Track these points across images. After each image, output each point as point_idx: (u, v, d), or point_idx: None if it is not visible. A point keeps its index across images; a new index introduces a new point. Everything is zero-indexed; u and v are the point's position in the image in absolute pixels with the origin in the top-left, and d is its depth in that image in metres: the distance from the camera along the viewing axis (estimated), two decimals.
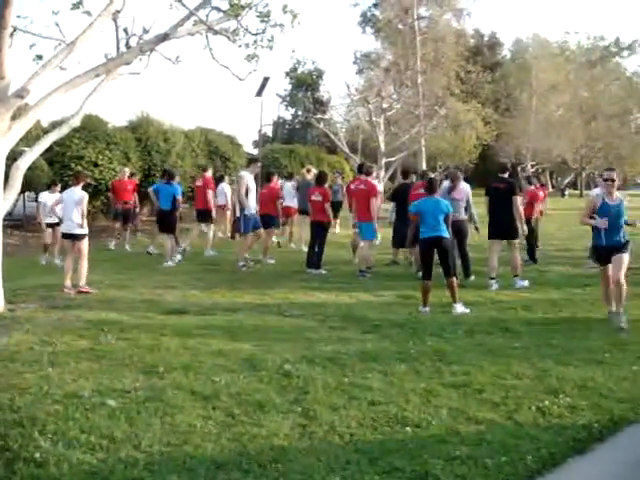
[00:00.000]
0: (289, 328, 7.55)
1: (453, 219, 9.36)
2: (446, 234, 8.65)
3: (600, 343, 6.94)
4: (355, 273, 11.54)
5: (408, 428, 4.56)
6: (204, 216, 14.73)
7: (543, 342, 6.96)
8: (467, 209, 11.11)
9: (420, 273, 9.48)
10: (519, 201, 10.69)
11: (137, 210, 16.23)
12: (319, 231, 12.11)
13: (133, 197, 16.00)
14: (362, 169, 12.46)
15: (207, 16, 10.03)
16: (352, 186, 12.49)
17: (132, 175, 16.96)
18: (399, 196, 12.28)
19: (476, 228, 11.30)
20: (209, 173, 15.34)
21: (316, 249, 12.08)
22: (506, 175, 10.86)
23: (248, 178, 12.29)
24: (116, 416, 4.66)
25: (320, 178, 12.72)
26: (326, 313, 8.34)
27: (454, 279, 8.75)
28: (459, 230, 10.62)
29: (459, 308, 8.57)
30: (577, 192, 56.38)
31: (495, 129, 36.84)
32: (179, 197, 13.22)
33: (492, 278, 10.45)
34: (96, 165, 18.43)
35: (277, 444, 4.26)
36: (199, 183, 14.99)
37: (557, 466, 4.11)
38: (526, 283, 10.47)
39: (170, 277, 11.15)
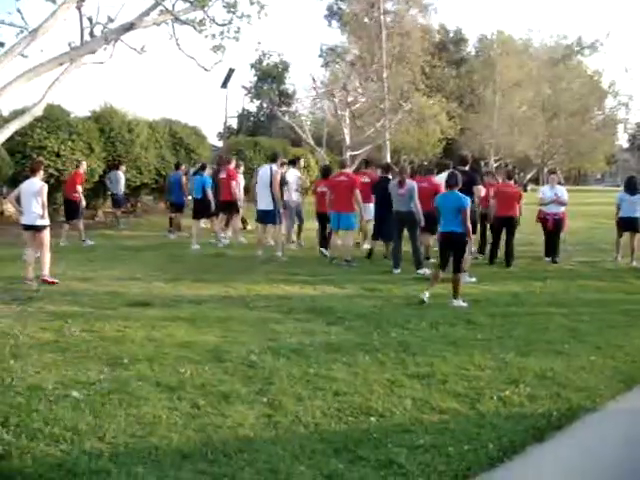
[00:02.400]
0: (254, 320, 7.56)
1: (397, 209, 11.04)
2: (460, 229, 8.69)
3: (559, 335, 7.10)
4: (321, 263, 11.61)
5: (372, 418, 4.62)
6: (229, 207, 15.10)
7: (505, 334, 7.09)
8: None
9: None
10: (482, 191, 10.84)
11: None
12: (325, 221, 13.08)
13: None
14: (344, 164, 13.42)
15: (173, 6, 9.92)
16: (334, 179, 12.63)
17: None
18: (380, 189, 12.39)
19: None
20: (232, 165, 15.61)
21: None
22: (466, 168, 10.82)
23: (279, 172, 12.88)
24: (80, 408, 4.63)
25: (326, 171, 13.50)
26: (291, 305, 8.37)
27: (459, 275, 8.83)
28: (407, 221, 11.11)
29: (456, 303, 8.69)
30: (538, 187, 57.18)
31: (459, 124, 37.13)
32: (208, 187, 14.59)
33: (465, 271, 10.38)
34: (58, 155, 18.10)
35: (242, 434, 4.28)
36: (223, 175, 15.20)
37: (517, 454, 4.22)
38: (473, 279, 10.43)
39: (134, 269, 11.06)
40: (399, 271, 11.11)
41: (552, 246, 12.98)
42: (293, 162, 15.31)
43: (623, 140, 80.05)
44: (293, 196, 14.14)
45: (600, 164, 67.50)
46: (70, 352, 6.05)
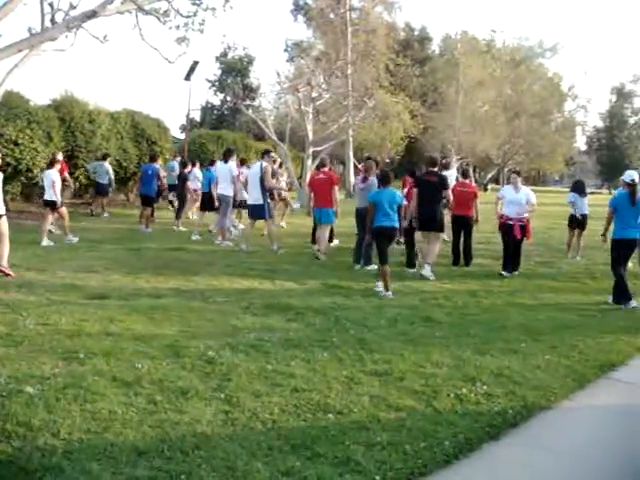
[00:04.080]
0: (213, 314, 7.51)
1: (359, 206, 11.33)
2: (393, 224, 9.28)
3: (516, 333, 7.21)
4: (276, 258, 11.60)
5: (330, 415, 4.63)
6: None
7: (462, 332, 7.17)
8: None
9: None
10: (449, 194, 11.22)
11: None
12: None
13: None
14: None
15: None
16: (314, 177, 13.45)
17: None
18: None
19: None
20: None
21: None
22: (436, 169, 11.33)
23: (269, 167, 13.55)
24: (34, 403, 4.54)
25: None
26: (250, 300, 8.33)
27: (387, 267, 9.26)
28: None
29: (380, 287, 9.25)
30: (499, 187, 57.93)
31: (422, 122, 37.40)
32: (214, 183, 15.13)
33: (427, 263, 10.86)
34: (16, 144, 17.70)
35: (200, 431, 4.25)
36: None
37: (473, 451, 4.26)
38: (432, 277, 10.63)
39: (92, 261, 10.90)
40: (358, 267, 11.19)
41: (515, 257, 11.45)
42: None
43: (581, 142, 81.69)
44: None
45: (559, 165, 68.76)
46: (24, 346, 5.92)
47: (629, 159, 78.34)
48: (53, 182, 13.08)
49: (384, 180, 9.72)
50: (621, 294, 9.14)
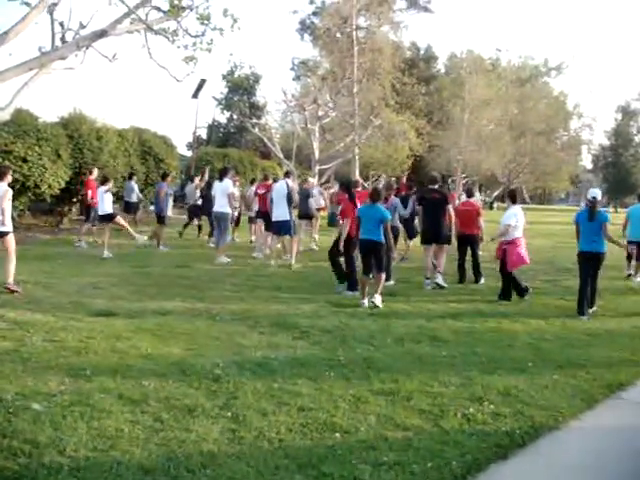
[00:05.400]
0: (219, 333, 7.51)
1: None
2: (379, 238, 9.61)
3: (523, 353, 7.17)
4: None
5: (337, 434, 4.62)
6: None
7: (469, 351, 7.14)
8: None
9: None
10: (451, 210, 11.81)
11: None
12: None
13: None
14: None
15: (147, 15, 9.89)
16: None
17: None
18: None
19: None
20: (270, 181, 16.37)
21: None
22: (436, 186, 12.02)
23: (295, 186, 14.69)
24: (40, 420, 4.55)
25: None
26: (256, 318, 8.33)
27: (382, 275, 9.79)
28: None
29: (378, 299, 9.55)
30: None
31: (427, 141, 37.42)
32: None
33: (427, 278, 11.54)
34: (25, 161, 17.81)
35: (206, 449, 4.24)
36: (261, 191, 15.93)
37: (480, 471, 4.24)
38: (443, 283, 11.47)
39: (99, 278, 10.93)
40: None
41: (505, 283, 10.66)
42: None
43: (587, 161, 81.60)
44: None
45: (564, 184, 68.74)
46: (31, 362, 5.94)
47: (635, 177, 78.29)
48: (106, 196, 14.68)
49: (373, 197, 9.94)
50: (578, 304, 9.60)
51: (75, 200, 20.74)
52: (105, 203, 14.81)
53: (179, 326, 7.69)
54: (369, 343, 7.29)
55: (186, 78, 11.02)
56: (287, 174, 14.98)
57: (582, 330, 8.54)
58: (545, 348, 7.46)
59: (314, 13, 42.94)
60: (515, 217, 10.49)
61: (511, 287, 10.56)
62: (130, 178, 19.91)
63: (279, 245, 14.78)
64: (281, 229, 13.75)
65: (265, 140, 30.29)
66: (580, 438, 5.03)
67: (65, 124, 20.51)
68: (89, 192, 16.46)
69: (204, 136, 54.57)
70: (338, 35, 32.64)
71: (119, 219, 15.07)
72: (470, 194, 13.68)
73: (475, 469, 4.24)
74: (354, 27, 31.73)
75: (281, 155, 29.54)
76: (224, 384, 5.55)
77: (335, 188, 20.69)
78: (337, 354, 6.73)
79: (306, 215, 16.57)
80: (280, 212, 13.58)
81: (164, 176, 17.50)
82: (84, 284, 10.33)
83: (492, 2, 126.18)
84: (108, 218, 14.87)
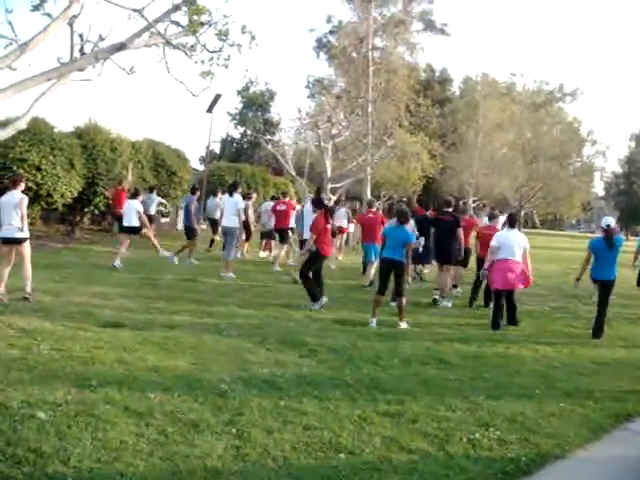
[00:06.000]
0: (226, 348, 7.50)
1: None
2: (401, 258, 9.74)
3: (531, 379, 7.12)
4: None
5: (342, 454, 4.59)
6: (282, 235, 16.81)
7: (476, 375, 7.10)
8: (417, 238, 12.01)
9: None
10: (461, 232, 12.27)
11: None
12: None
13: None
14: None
15: (165, 29, 9.97)
16: None
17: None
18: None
19: None
20: (288, 198, 17.52)
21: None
22: (450, 209, 12.52)
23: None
24: (45, 429, 4.55)
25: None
26: (264, 335, 8.32)
27: (403, 300, 9.81)
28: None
29: (403, 325, 9.69)
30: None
31: (440, 163, 37.44)
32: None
33: (443, 297, 12.14)
34: (39, 169, 17.93)
35: (210, 465, 4.23)
36: (282, 208, 16.73)
37: None
38: (450, 304, 12.08)
39: (108, 289, 10.96)
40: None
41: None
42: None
43: (599, 188, 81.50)
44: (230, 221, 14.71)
45: (576, 210, 68.59)
46: (38, 371, 5.95)
47: None
48: (138, 211, 14.95)
49: (400, 218, 10.03)
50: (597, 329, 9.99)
51: (87, 210, 20.83)
52: (133, 216, 14.99)
53: (186, 340, 7.69)
54: (376, 363, 7.26)
55: (202, 93, 11.13)
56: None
57: (590, 358, 8.48)
58: (552, 375, 7.41)
59: (331, 32, 43.23)
60: (497, 239, 10.55)
61: (515, 311, 10.47)
62: (151, 191, 19.91)
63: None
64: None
65: (278, 156, 30.34)
66: (586, 468, 4.98)
67: (80, 134, 20.67)
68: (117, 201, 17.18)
69: (217, 151, 54.86)
70: (354, 55, 32.81)
71: (146, 232, 15.27)
72: (492, 218, 13.69)
73: None
74: (370, 47, 31.89)
75: (293, 172, 29.57)
76: (230, 400, 5.53)
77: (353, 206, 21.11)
78: (344, 373, 6.71)
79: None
80: (307, 230, 13.64)
81: (193, 190, 17.57)
82: (93, 294, 10.36)
83: (508, 26, 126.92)
84: (133, 231, 15.07)
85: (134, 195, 15.57)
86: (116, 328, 8.03)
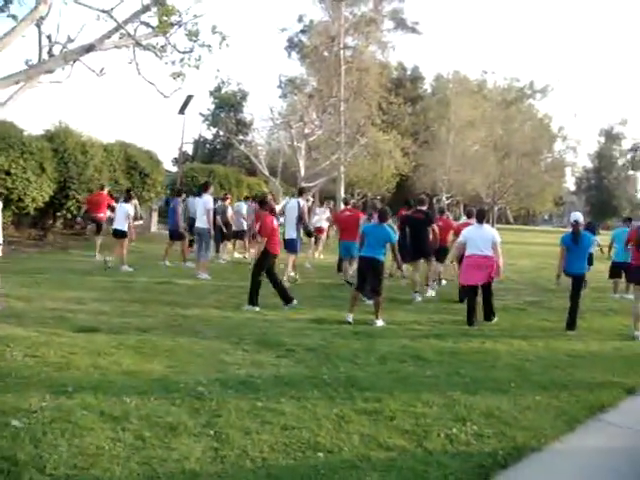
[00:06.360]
0: (202, 350, 7.46)
1: None
2: (380, 257, 9.82)
3: (506, 373, 7.19)
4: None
5: (320, 453, 4.59)
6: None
7: (452, 371, 7.14)
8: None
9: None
10: (435, 228, 12.65)
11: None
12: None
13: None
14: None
15: (135, 30, 9.90)
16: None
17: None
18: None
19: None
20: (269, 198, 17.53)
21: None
22: (424, 207, 12.81)
23: (306, 205, 14.95)
24: (20, 437, 4.49)
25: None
26: (240, 335, 8.29)
27: (380, 299, 9.89)
28: None
29: (380, 323, 9.69)
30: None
31: (413, 160, 37.67)
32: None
33: (416, 292, 12.42)
34: (8, 174, 17.71)
35: (188, 468, 4.20)
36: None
37: None
38: (420, 298, 12.32)
39: (82, 293, 10.85)
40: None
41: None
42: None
43: (570, 183, 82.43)
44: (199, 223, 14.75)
45: (548, 205, 69.31)
46: (11, 378, 5.86)
47: (617, 200, 79.14)
48: (128, 215, 15.04)
49: (381, 217, 10.10)
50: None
51: (59, 214, 20.61)
52: (123, 220, 15.07)
53: (162, 343, 7.64)
54: (353, 362, 7.27)
55: (173, 94, 11.06)
56: (301, 192, 15.18)
57: (565, 351, 8.58)
58: (528, 369, 7.48)
59: (302, 31, 43.29)
60: (463, 234, 10.80)
61: (490, 307, 10.53)
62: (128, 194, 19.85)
63: None
64: (288, 247, 13.97)
65: (251, 157, 30.30)
66: (561, 460, 5.03)
67: (50, 137, 20.44)
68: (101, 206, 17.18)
69: (190, 152, 54.56)
70: (326, 54, 32.90)
71: (126, 242, 15.10)
72: (470, 215, 13.86)
73: None
74: (342, 46, 32.00)
75: (267, 172, 29.55)
76: (207, 402, 5.51)
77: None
78: (321, 372, 6.71)
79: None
80: (290, 231, 14.03)
81: (179, 192, 17.61)
82: (67, 299, 10.25)
83: (479, 24, 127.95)
84: (122, 235, 15.04)
85: (127, 199, 15.60)
86: (91, 333, 7.95)
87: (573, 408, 6.10)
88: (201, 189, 14.93)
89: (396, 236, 12.22)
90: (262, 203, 11.45)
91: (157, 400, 5.48)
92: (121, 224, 15.09)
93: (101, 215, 17.20)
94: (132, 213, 15.34)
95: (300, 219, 14.01)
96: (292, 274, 14.03)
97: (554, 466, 4.90)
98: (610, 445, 5.47)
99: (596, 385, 6.95)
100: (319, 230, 18.87)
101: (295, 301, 10.75)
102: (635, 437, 5.70)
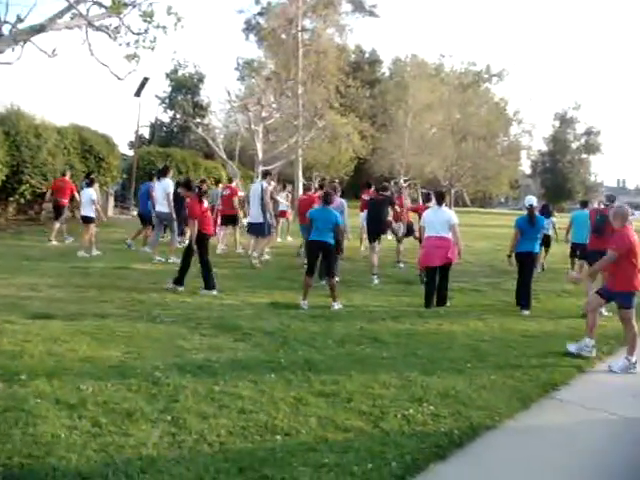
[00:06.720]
0: (160, 335, 7.42)
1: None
2: (331, 240, 9.84)
3: (462, 353, 7.30)
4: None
5: (278, 436, 4.62)
6: (231, 220, 16.67)
7: (409, 352, 7.23)
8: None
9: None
10: (396, 209, 13.26)
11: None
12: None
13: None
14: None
15: (88, 10, 9.70)
16: None
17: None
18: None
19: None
20: (234, 183, 17.89)
21: None
22: (388, 193, 13.47)
23: (269, 188, 14.81)
24: None
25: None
26: (198, 320, 8.26)
27: (334, 280, 9.97)
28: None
29: (336, 306, 9.71)
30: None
31: (371, 143, 37.79)
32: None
33: (374, 274, 12.49)
34: None
35: (145, 454, 4.19)
36: (227, 192, 16.70)
37: (420, 471, 4.29)
38: (377, 281, 12.38)
39: (36, 279, 10.67)
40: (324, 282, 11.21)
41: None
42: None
43: (526, 166, 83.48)
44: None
45: (504, 188, 70.08)
46: None
47: (571, 183, 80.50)
48: (92, 200, 15.04)
49: (326, 200, 10.18)
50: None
51: (12, 199, 20.17)
52: (88, 205, 15.04)
53: (119, 328, 7.57)
54: (310, 345, 7.31)
55: (128, 76, 10.89)
56: (265, 175, 15.26)
57: (519, 331, 8.74)
58: (483, 349, 7.61)
59: (260, 13, 42.92)
60: (423, 217, 10.94)
61: (445, 292, 10.56)
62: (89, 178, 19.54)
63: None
64: (253, 230, 14.25)
65: (208, 140, 30.04)
66: (516, 438, 5.14)
67: (1, 120, 19.93)
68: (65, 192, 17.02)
69: (147, 135, 53.79)
70: (283, 36, 32.68)
71: (92, 227, 14.94)
72: (429, 199, 14.05)
73: (414, 469, 4.29)
74: (299, 29, 31.81)
75: (224, 155, 29.34)
76: (164, 387, 5.49)
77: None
78: (278, 356, 6.73)
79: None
80: (255, 214, 14.21)
81: (150, 177, 17.54)
82: (21, 285, 10.08)
83: (437, 8, 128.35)
84: (89, 221, 14.93)
85: (89, 184, 15.54)
86: (46, 319, 7.83)
87: (527, 387, 6.23)
88: (160, 173, 14.82)
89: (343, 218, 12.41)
90: (187, 186, 11.20)
91: (114, 386, 5.43)
92: (87, 210, 15.03)
93: (64, 201, 17.05)
94: (96, 197, 15.26)
95: (263, 201, 14.07)
96: (256, 254, 14.16)
97: (508, 444, 5.00)
98: (563, 422, 5.60)
99: (550, 364, 7.11)
100: (282, 214, 18.88)
101: (215, 291, 10.49)
102: (586, 414, 5.85)
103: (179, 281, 10.58)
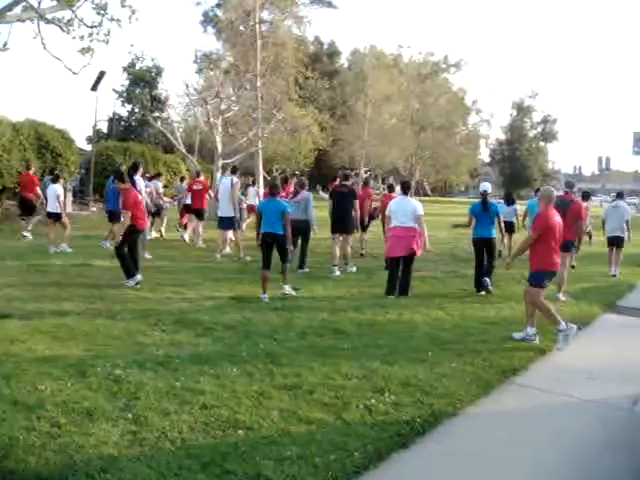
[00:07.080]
0: (120, 332, 7.34)
1: (295, 218, 11.16)
2: (281, 231, 9.77)
3: (423, 343, 7.39)
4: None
5: (240, 431, 4.61)
6: (198, 214, 17.10)
7: (371, 342, 7.29)
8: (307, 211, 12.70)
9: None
10: (357, 203, 13.05)
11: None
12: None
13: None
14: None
15: (39, 3, 9.51)
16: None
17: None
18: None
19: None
20: (202, 177, 18.28)
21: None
22: (349, 182, 13.46)
23: (239, 182, 15.15)
24: None
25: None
26: (158, 316, 8.19)
27: (287, 265, 10.19)
28: (301, 228, 12.27)
29: (287, 289, 10.09)
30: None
31: (331, 135, 37.73)
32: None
33: (335, 265, 12.61)
34: None
35: (106, 453, 4.15)
36: (199, 187, 17.25)
37: (382, 461, 4.34)
38: (338, 272, 12.46)
39: None
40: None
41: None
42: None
43: (485, 155, 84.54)
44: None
45: (464, 177, 70.94)
46: None
47: (529, 171, 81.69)
48: (58, 195, 14.97)
49: (272, 191, 10.25)
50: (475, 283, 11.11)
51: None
52: (54, 201, 15.05)
53: (78, 327, 7.46)
54: (272, 338, 7.31)
55: (83, 70, 10.73)
56: (234, 170, 15.34)
57: (479, 319, 8.87)
58: (444, 337, 7.70)
59: (217, 5, 42.55)
60: (389, 207, 10.94)
61: (407, 283, 10.59)
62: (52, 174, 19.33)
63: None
64: (224, 224, 14.40)
65: (167, 134, 29.70)
66: (477, 424, 5.22)
67: None
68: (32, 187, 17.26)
69: (105, 130, 52.99)
70: (241, 28, 32.38)
71: (65, 221, 15.12)
72: (392, 189, 14.71)
73: (376, 459, 4.33)
74: (257, 20, 31.54)
75: (183, 149, 29.04)
76: (125, 385, 5.44)
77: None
78: (240, 350, 6.72)
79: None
80: (225, 208, 14.30)
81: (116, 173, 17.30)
82: None
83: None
84: (57, 217, 15.03)
85: (55, 179, 15.53)
86: (2, 319, 7.68)
87: (487, 373, 6.34)
88: (131, 170, 14.63)
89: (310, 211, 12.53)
90: (120, 177, 11.03)
91: (73, 386, 5.37)
92: (53, 206, 15.05)
93: (31, 195, 17.26)
94: (61, 193, 15.27)
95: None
96: (228, 251, 14.63)
97: (469, 429, 5.08)
98: (523, 406, 5.72)
99: (509, 350, 7.24)
100: (251, 208, 18.83)
101: (132, 282, 10.37)
102: (546, 397, 5.97)
103: (131, 272, 10.44)
